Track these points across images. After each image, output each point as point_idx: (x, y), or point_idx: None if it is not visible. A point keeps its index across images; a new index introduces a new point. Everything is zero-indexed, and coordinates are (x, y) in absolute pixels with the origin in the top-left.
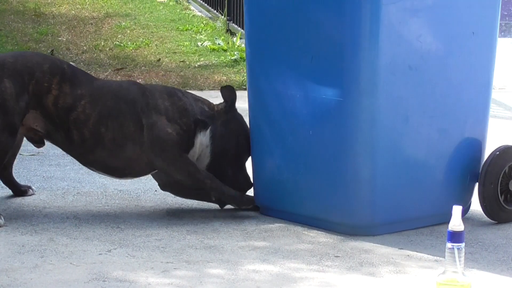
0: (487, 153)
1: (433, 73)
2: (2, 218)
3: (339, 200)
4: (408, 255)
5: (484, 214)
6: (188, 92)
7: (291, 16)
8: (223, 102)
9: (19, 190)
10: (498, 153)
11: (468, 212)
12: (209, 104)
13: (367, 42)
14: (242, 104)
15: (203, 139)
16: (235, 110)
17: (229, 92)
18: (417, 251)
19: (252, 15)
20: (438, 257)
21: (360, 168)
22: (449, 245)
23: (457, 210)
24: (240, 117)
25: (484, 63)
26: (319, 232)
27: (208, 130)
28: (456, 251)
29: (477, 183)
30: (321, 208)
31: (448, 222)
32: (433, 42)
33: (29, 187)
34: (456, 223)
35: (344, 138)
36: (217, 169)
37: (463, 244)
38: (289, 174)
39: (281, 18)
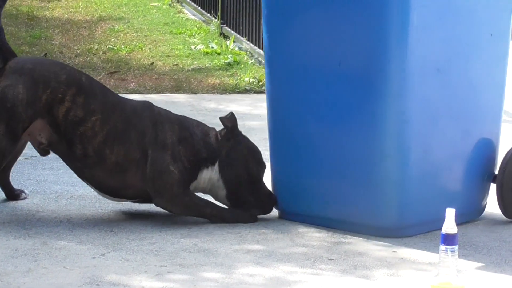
0: (500, 153)
1: (458, 75)
2: None
3: (368, 202)
4: (402, 258)
5: (475, 217)
6: (199, 123)
7: (316, 18)
8: (224, 129)
9: (13, 194)
10: None
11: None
12: (215, 135)
13: (397, 45)
14: (236, 107)
15: (212, 174)
16: (238, 134)
17: (229, 119)
18: (411, 254)
19: (272, 16)
20: (432, 260)
21: (390, 170)
22: (442, 247)
23: (450, 212)
24: (244, 140)
25: (500, 64)
26: (313, 235)
27: (216, 165)
28: (449, 253)
29: (492, 183)
30: (349, 211)
31: (465, 222)
32: (458, 45)
33: (22, 191)
34: (449, 225)
35: (374, 141)
36: (237, 197)
37: (456, 247)
38: (316, 178)
39: (305, 21)
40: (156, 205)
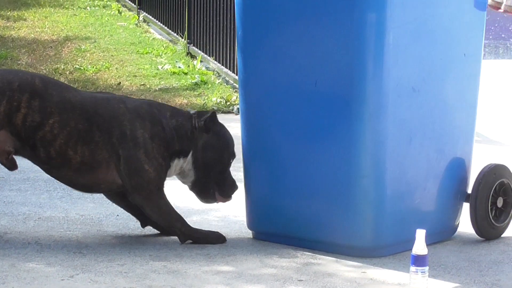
0: (472, 173)
1: (433, 94)
2: None
3: (344, 222)
4: (371, 279)
5: (448, 236)
6: (174, 111)
7: (291, 38)
8: (202, 120)
9: None
10: (487, 171)
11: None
12: (191, 124)
13: (374, 64)
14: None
15: (184, 164)
16: (215, 124)
17: (205, 113)
18: (380, 275)
19: (246, 36)
20: (401, 281)
21: (366, 190)
22: (413, 268)
23: (420, 233)
24: (221, 130)
25: (472, 84)
26: (283, 255)
27: (189, 156)
28: (420, 274)
29: (465, 202)
30: (324, 231)
31: (440, 241)
32: (433, 65)
33: None
34: (420, 246)
35: (350, 160)
36: (204, 184)
37: (427, 268)
38: (291, 198)
39: (280, 41)
40: (132, 201)
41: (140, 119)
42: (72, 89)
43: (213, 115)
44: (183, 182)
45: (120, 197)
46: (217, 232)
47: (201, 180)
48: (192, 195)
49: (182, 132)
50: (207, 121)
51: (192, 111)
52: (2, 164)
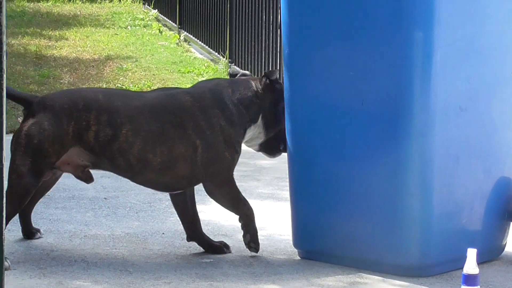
0: None
1: (480, 113)
2: (8, 262)
3: (391, 240)
4: None
5: (495, 256)
6: (233, 85)
7: (339, 57)
8: (264, 77)
9: (30, 231)
10: None
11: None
12: (254, 91)
13: (421, 83)
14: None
15: (254, 130)
16: (277, 83)
17: (272, 72)
18: None
19: (293, 54)
20: None
21: (414, 208)
22: None
23: (472, 253)
24: (280, 84)
25: None
26: (329, 274)
27: (259, 120)
28: None
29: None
30: (371, 249)
31: (487, 261)
32: (480, 83)
33: (38, 230)
34: (471, 266)
35: (398, 179)
36: (271, 141)
37: (478, 287)
38: (337, 216)
39: (327, 59)
40: (205, 188)
41: (210, 107)
42: (135, 94)
43: (273, 73)
44: (249, 146)
45: (183, 203)
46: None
47: (270, 138)
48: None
49: (247, 102)
50: (272, 82)
51: (246, 73)
52: (78, 178)
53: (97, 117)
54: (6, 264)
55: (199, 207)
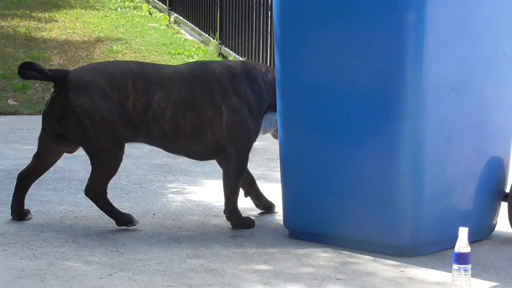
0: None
1: (472, 94)
2: None
3: (383, 221)
4: (410, 278)
5: (486, 235)
6: (268, 67)
7: (330, 38)
8: None
9: (22, 212)
10: None
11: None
12: None
13: (413, 64)
14: None
15: (273, 118)
16: None
17: None
18: (419, 273)
19: (284, 36)
20: (440, 279)
21: (406, 189)
22: (455, 266)
23: (463, 231)
24: None
25: (511, 83)
26: (320, 254)
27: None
28: (462, 272)
29: (503, 201)
30: (362, 230)
31: (478, 240)
32: (472, 63)
33: (28, 211)
34: (462, 244)
35: (389, 160)
36: None
37: (469, 266)
38: (329, 197)
39: (319, 40)
40: (227, 152)
41: (238, 77)
42: (165, 66)
43: None
44: (270, 132)
45: None
46: (250, 218)
47: None
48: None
49: (274, 84)
50: None
51: None
52: None
53: (134, 85)
54: None
55: (190, 188)
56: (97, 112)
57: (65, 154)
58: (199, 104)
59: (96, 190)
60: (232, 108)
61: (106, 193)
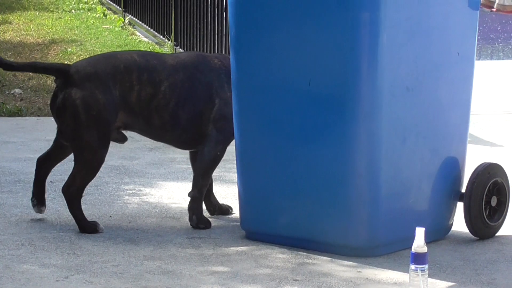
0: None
1: (427, 94)
2: None
3: (338, 222)
4: (367, 278)
5: (442, 235)
6: None
7: (285, 38)
8: None
9: (42, 197)
10: (481, 170)
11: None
12: None
13: (368, 64)
14: None
15: None
16: None
17: None
18: (376, 274)
19: (239, 36)
20: (397, 280)
21: (362, 189)
22: (412, 267)
23: (420, 231)
24: None
25: (466, 83)
26: (277, 255)
27: None
28: (420, 272)
29: (459, 201)
30: (318, 231)
31: (434, 240)
32: (427, 64)
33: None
34: (419, 244)
35: (345, 160)
36: None
37: (426, 266)
38: (284, 198)
39: (274, 40)
40: (209, 136)
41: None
42: (168, 55)
43: None
44: None
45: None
46: (207, 218)
47: None
48: (186, 198)
49: None
50: None
51: None
52: (114, 140)
53: (139, 77)
54: None
55: (146, 190)
56: (94, 106)
57: (15, 157)
58: (197, 97)
59: (73, 188)
60: (225, 102)
61: (81, 195)
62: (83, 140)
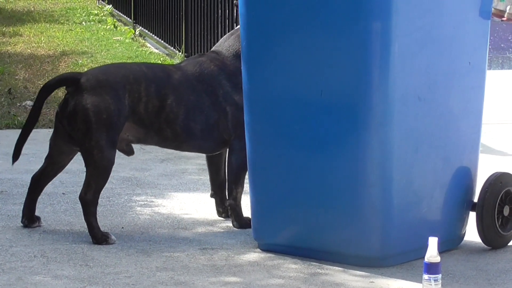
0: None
1: (438, 103)
2: None
3: (351, 232)
4: None
5: (455, 245)
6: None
7: (297, 48)
8: None
9: (32, 216)
10: (493, 180)
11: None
12: None
13: (380, 74)
14: None
15: None
16: None
17: None
18: (388, 284)
19: (250, 47)
20: None
21: (374, 199)
22: (425, 276)
23: (433, 241)
24: None
25: (477, 93)
26: (290, 266)
27: None
28: (433, 282)
29: (471, 211)
30: (331, 241)
31: (447, 250)
32: (438, 73)
33: (38, 218)
34: (433, 254)
35: (357, 170)
36: None
37: (440, 276)
38: (297, 208)
39: (285, 51)
40: (230, 147)
41: (234, 75)
42: (171, 66)
43: None
44: None
45: (218, 164)
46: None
47: None
48: (197, 209)
49: None
50: None
51: None
52: (121, 151)
53: (147, 89)
54: None
55: (158, 201)
56: (105, 110)
57: (27, 169)
58: (207, 107)
59: (89, 194)
60: (235, 107)
61: (97, 201)
62: (92, 140)
